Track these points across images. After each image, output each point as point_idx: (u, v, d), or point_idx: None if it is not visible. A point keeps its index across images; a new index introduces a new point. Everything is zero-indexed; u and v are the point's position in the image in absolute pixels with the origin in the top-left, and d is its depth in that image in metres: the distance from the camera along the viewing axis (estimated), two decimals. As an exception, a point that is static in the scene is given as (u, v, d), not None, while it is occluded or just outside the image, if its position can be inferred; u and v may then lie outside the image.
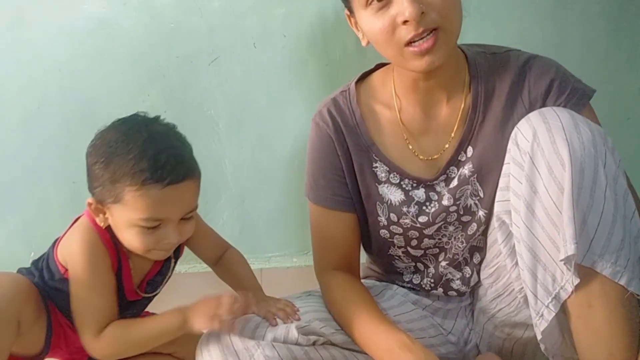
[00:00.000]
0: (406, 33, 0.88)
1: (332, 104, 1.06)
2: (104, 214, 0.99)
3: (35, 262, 1.12)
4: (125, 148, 0.93)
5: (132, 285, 1.06)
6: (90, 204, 0.99)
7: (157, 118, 1.01)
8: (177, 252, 1.14)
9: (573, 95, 0.95)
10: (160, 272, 1.10)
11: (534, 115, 0.87)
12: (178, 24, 1.39)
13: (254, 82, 1.45)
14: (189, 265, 1.54)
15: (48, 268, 1.08)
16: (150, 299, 1.13)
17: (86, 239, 1.00)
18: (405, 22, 0.87)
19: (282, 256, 1.58)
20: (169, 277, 1.13)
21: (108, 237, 1.01)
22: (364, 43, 0.97)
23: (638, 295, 0.83)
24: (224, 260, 1.19)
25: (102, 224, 1.00)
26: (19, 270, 1.15)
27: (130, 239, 0.97)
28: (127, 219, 0.95)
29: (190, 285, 1.42)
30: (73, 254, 1.00)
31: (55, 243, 1.10)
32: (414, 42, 0.89)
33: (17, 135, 1.41)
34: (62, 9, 1.36)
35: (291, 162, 1.51)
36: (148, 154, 0.92)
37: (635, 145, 1.59)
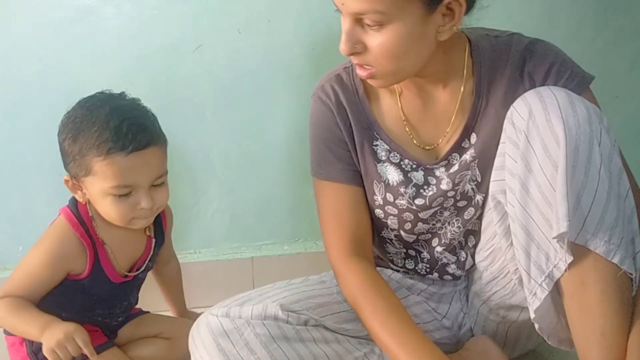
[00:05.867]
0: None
1: (334, 79, 1.06)
2: (81, 189, 1.07)
3: None
4: (90, 122, 1.01)
5: (114, 270, 1.13)
6: (67, 181, 1.07)
7: (121, 94, 1.09)
8: (161, 237, 1.22)
9: (572, 79, 0.95)
10: (151, 258, 1.19)
11: (530, 94, 0.87)
12: (160, 10, 1.37)
13: (239, 68, 1.42)
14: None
15: None
16: (141, 279, 1.22)
17: (58, 233, 1.08)
18: None
19: (273, 244, 1.57)
20: (153, 260, 1.23)
21: (82, 231, 1.08)
22: None
23: (631, 273, 0.83)
24: (169, 267, 1.33)
25: (81, 200, 1.08)
26: None
27: (107, 209, 1.05)
28: (99, 189, 1.03)
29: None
30: (41, 240, 1.09)
31: None
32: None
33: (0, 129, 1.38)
34: (41, -2, 1.33)
35: (280, 148, 1.50)
36: (111, 125, 1.00)
37: (623, 123, 1.59)
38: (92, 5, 1.35)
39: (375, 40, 0.87)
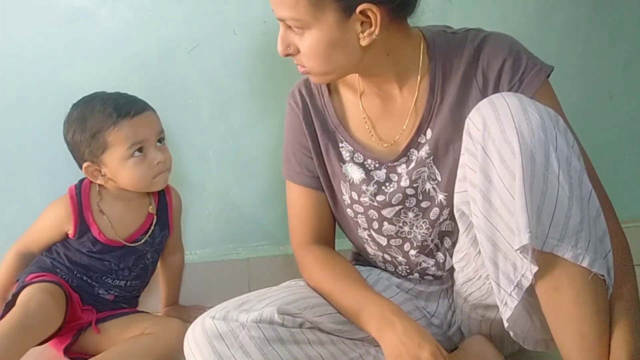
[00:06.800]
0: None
1: (303, 85, 1.11)
2: (100, 172, 1.23)
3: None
4: (90, 109, 1.21)
5: (98, 229, 1.26)
6: (87, 168, 1.23)
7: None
8: (165, 218, 1.34)
9: (526, 74, 0.94)
10: (151, 234, 1.32)
11: (483, 105, 0.86)
12: (156, 11, 1.37)
13: (235, 69, 1.43)
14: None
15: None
16: (139, 252, 1.31)
17: (58, 200, 1.27)
18: None
19: (269, 245, 1.57)
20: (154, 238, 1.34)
21: (73, 194, 1.26)
22: None
23: (602, 275, 0.83)
24: (173, 258, 1.44)
25: (104, 183, 1.26)
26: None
27: (130, 174, 1.22)
28: (118, 157, 1.21)
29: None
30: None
31: None
32: None
33: (-5, 129, 1.39)
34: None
35: (275, 150, 1.49)
36: (109, 103, 1.21)
37: (618, 122, 1.59)
38: (88, 7, 1.35)
39: (301, 43, 0.93)
